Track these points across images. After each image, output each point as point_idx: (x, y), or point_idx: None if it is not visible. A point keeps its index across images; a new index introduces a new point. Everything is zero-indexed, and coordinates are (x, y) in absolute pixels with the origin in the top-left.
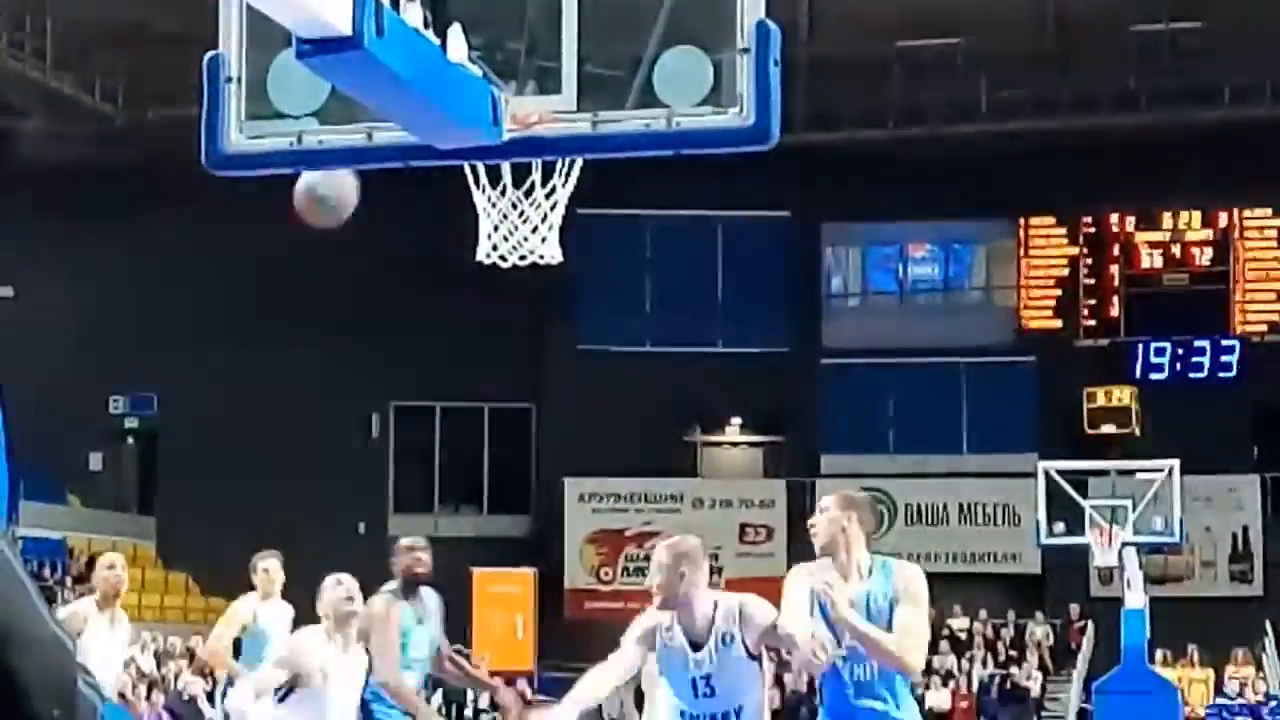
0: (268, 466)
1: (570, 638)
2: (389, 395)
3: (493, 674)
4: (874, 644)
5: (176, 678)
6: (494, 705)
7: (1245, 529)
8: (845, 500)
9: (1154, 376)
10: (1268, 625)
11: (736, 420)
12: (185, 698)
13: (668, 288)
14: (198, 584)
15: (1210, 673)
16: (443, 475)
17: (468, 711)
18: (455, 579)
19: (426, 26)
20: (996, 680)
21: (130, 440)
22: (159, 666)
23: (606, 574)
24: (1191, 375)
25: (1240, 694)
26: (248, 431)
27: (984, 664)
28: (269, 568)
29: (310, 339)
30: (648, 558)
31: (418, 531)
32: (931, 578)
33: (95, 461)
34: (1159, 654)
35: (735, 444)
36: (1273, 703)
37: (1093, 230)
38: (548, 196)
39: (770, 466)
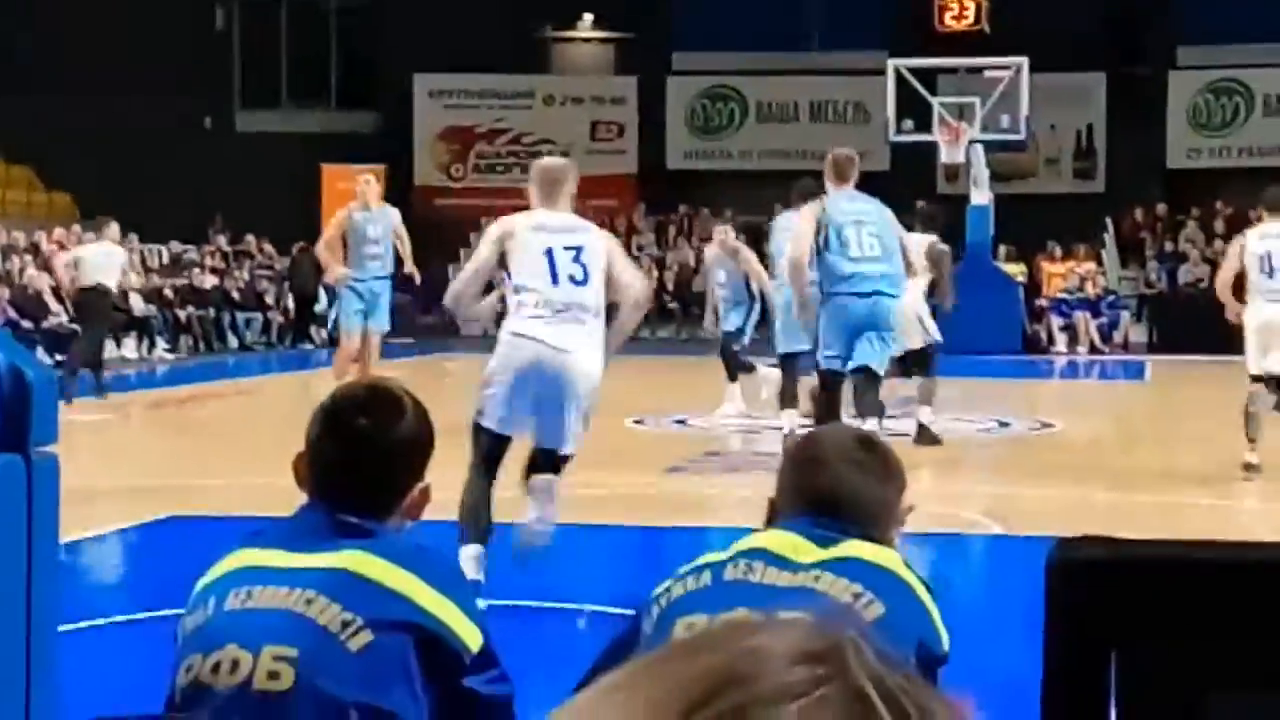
0: (110, 60)
1: (420, 235)
2: None
3: None
4: None
5: (21, 273)
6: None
7: (1090, 127)
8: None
9: None
10: (1108, 222)
11: (588, 16)
12: (30, 292)
13: None
14: (41, 179)
15: (1054, 268)
16: (290, 70)
17: None
18: (303, 174)
19: None
20: None
21: None
22: (3, 261)
23: (457, 171)
24: None
25: (1081, 288)
26: (89, 23)
27: None
28: (368, 179)
29: None
30: (498, 155)
31: (264, 126)
32: (782, 175)
33: None
34: (1002, 250)
35: (587, 40)
36: (1111, 296)
37: None
38: None
39: (622, 63)
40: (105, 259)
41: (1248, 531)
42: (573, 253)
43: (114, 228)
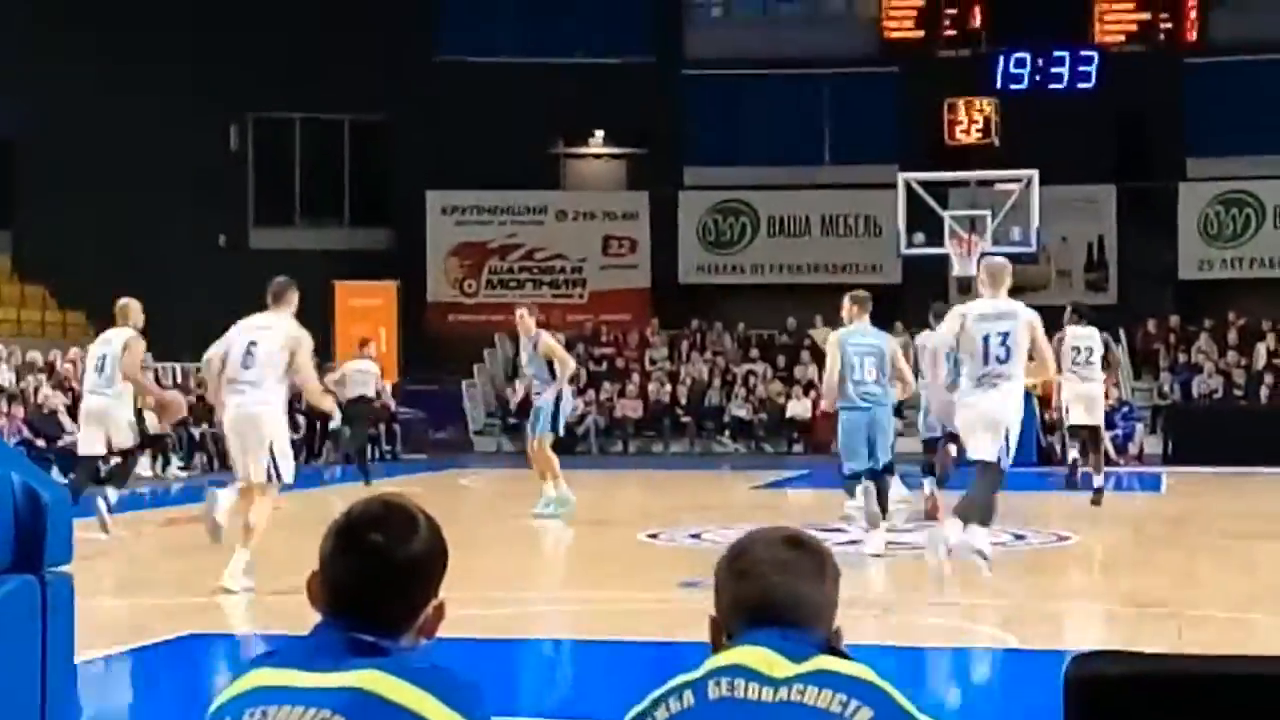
0: (126, 179)
1: (433, 350)
2: (247, 106)
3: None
4: None
5: (36, 391)
6: None
7: (1101, 238)
8: None
9: (1014, 87)
10: (1121, 333)
11: (599, 132)
12: (45, 411)
13: None
14: (55, 298)
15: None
16: (303, 188)
17: None
18: (317, 291)
19: None
20: None
21: None
22: (18, 380)
23: (470, 286)
24: (1051, 85)
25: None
26: (105, 143)
27: None
28: (521, 313)
29: (168, 49)
30: (511, 271)
31: (278, 243)
32: (794, 289)
33: None
34: None
35: (598, 156)
36: (1125, 408)
37: None
38: None
39: (633, 178)
40: (363, 374)
41: (1266, 645)
42: (1002, 336)
43: (370, 347)
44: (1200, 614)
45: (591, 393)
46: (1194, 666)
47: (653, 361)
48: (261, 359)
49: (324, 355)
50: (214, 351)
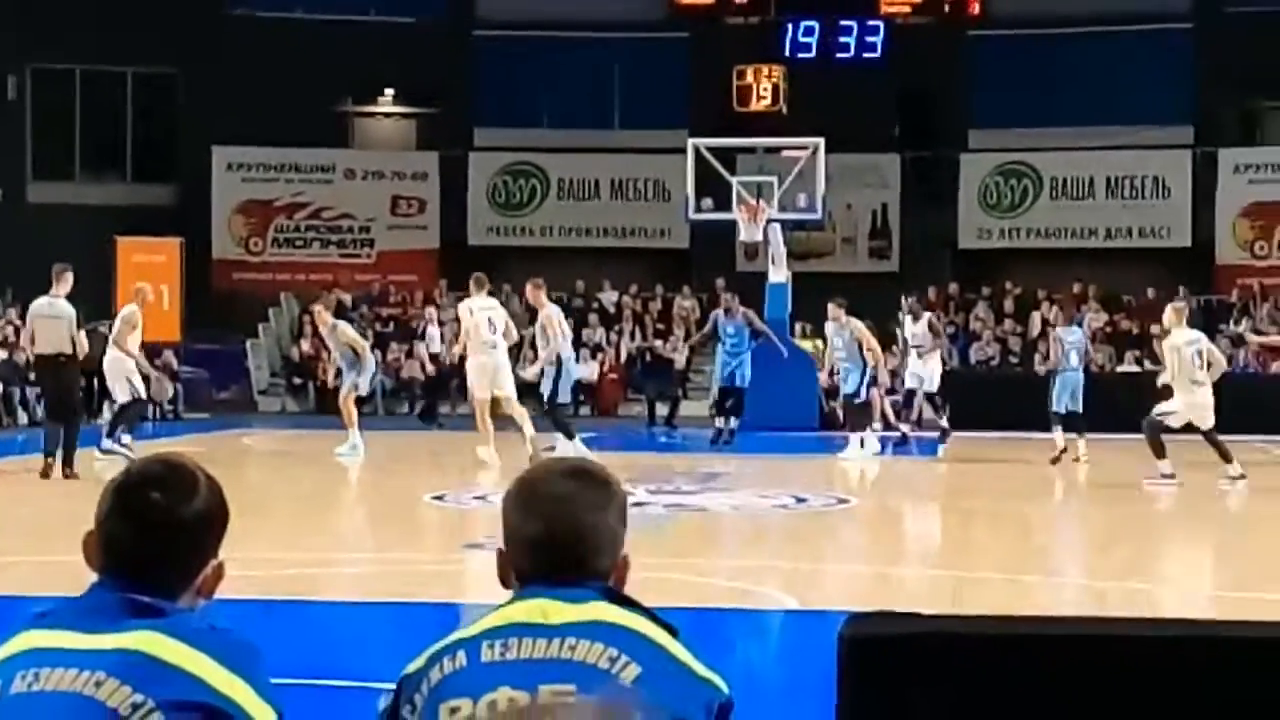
0: None
1: (218, 309)
2: (25, 57)
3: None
4: None
5: None
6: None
7: (885, 206)
8: None
9: (802, 55)
10: (902, 300)
11: (389, 91)
12: None
13: None
14: None
15: None
16: (84, 141)
17: None
18: (97, 248)
19: None
20: (644, 353)
21: None
22: None
23: (255, 245)
24: (838, 55)
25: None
26: None
27: (632, 336)
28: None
29: None
30: (298, 229)
31: (56, 197)
32: (583, 252)
33: None
34: (799, 327)
35: (388, 115)
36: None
37: None
38: None
39: (423, 138)
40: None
41: (1039, 606)
42: (1198, 353)
43: None
44: (976, 575)
45: (378, 353)
46: (969, 627)
47: (441, 324)
48: (500, 328)
49: (104, 313)
50: (466, 325)
